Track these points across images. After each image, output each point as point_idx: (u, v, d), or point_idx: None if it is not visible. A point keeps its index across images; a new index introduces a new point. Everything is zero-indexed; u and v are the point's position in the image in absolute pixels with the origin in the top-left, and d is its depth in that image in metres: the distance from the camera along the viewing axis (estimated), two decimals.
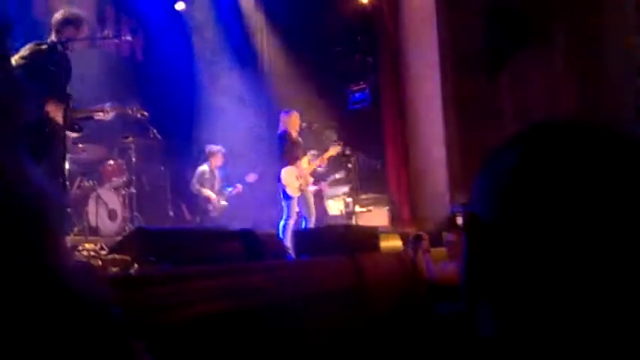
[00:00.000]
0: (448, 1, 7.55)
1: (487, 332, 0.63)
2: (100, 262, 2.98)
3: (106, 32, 5.57)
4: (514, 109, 7.07)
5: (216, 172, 7.73)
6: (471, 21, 7.14)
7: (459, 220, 6.01)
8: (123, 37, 5.49)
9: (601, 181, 0.57)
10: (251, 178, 7.51)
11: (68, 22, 4.42)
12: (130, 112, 5.39)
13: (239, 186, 7.67)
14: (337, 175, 7.80)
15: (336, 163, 7.72)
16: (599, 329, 0.56)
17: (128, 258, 2.69)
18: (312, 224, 6.72)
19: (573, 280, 0.57)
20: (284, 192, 6.65)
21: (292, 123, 6.85)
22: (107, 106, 4.93)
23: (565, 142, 0.61)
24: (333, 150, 7.08)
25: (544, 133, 0.63)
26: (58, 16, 4.46)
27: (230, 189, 7.74)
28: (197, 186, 7.58)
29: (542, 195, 0.58)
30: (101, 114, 4.88)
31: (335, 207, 7.95)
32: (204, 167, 7.67)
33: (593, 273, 0.56)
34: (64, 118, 4.30)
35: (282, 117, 6.93)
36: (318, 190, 7.67)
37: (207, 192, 7.51)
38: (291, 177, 6.66)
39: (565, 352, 0.57)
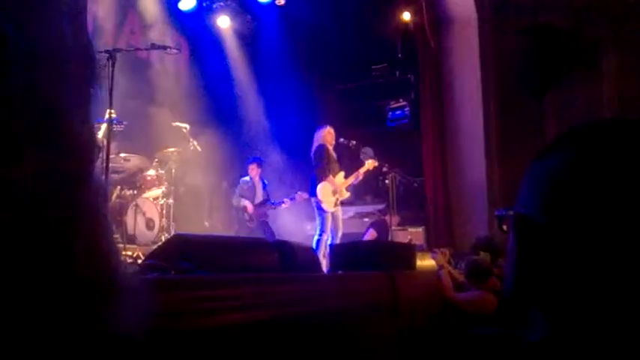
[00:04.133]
0: (492, 21, 7.49)
1: (535, 336, 0.61)
2: (137, 268, 3.01)
3: (151, 44, 5.67)
4: (557, 131, 6.92)
5: (258, 184, 7.74)
6: (515, 41, 7.06)
7: (504, 225, 5.87)
8: (168, 49, 5.59)
9: None
10: (301, 196, 7.46)
11: None
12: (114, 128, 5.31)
13: (287, 201, 7.64)
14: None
15: (372, 180, 7.67)
16: None
17: (165, 264, 2.71)
18: (338, 240, 6.69)
19: (632, 280, 0.54)
20: (319, 206, 6.63)
21: (327, 138, 6.85)
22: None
23: (616, 139, 0.59)
24: (370, 164, 7.03)
25: (593, 131, 0.62)
26: None
27: (278, 202, 7.73)
28: (238, 197, 7.61)
29: (598, 192, 0.56)
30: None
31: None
32: (245, 178, 7.72)
33: None
34: None
35: (317, 132, 6.94)
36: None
37: (245, 202, 7.53)
38: (327, 192, 6.65)
39: (618, 357, 0.54)
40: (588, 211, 0.56)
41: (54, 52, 0.49)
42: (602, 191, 0.56)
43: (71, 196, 0.47)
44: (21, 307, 0.44)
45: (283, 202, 7.61)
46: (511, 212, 0.66)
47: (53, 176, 0.46)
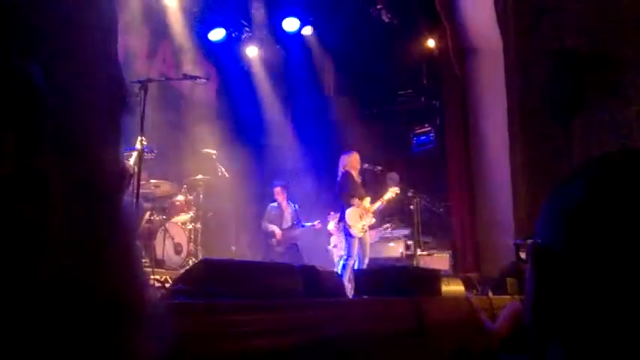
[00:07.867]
0: (517, 47, 7.49)
1: None
2: (164, 292, 3.07)
3: (182, 74, 5.83)
4: (585, 156, 6.84)
5: (286, 208, 7.81)
6: (541, 67, 7.03)
7: (522, 254, 5.75)
8: (199, 79, 5.73)
9: None
10: (333, 217, 7.51)
11: None
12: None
13: (318, 223, 7.70)
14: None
15: (397, 205, 7.67)
16: None
17: (191, 288, 2.76)
18: (364, 265, 6.68)
19: None
20: (347, 231, 6.65)
21: (353, 163, 6.90)
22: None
23: (632, 170, 0.60)
24: (393, 191, 7.04)
25: (608, 163, 0.62)
26: None
27: (309, 224, 7.78)
28: (266, 223, 7.70)
29: (616, 223, 0.56)
30: None
31: (395, 249, 7.86)
32: (273, 204, 7.83)
33: None
34: None
35: (343, 157, 6.99)
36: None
37: (272, 227, 7.61)
38: (355, 217, 6.68)
39: None
40: (606, 242, 0.56)
41: (84, 90, 0.48)
42: (619, 223, 0.56)
43: (98, 223, 0.48)
44: (45, 329, 0.45)
45: (314, 224, 7.67)
46: (529, 241, 0.67)
47: (78, 202, 0.46)
